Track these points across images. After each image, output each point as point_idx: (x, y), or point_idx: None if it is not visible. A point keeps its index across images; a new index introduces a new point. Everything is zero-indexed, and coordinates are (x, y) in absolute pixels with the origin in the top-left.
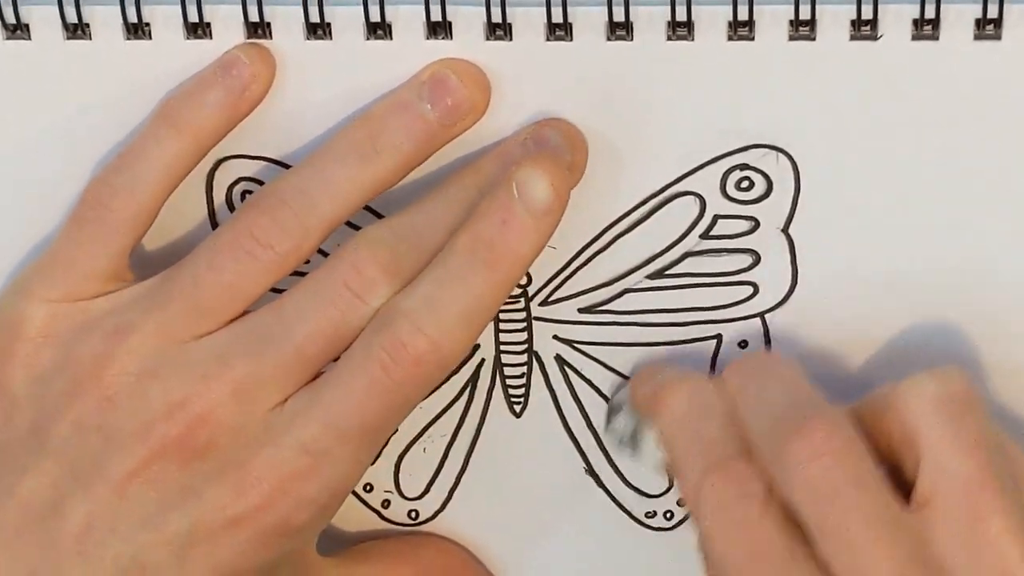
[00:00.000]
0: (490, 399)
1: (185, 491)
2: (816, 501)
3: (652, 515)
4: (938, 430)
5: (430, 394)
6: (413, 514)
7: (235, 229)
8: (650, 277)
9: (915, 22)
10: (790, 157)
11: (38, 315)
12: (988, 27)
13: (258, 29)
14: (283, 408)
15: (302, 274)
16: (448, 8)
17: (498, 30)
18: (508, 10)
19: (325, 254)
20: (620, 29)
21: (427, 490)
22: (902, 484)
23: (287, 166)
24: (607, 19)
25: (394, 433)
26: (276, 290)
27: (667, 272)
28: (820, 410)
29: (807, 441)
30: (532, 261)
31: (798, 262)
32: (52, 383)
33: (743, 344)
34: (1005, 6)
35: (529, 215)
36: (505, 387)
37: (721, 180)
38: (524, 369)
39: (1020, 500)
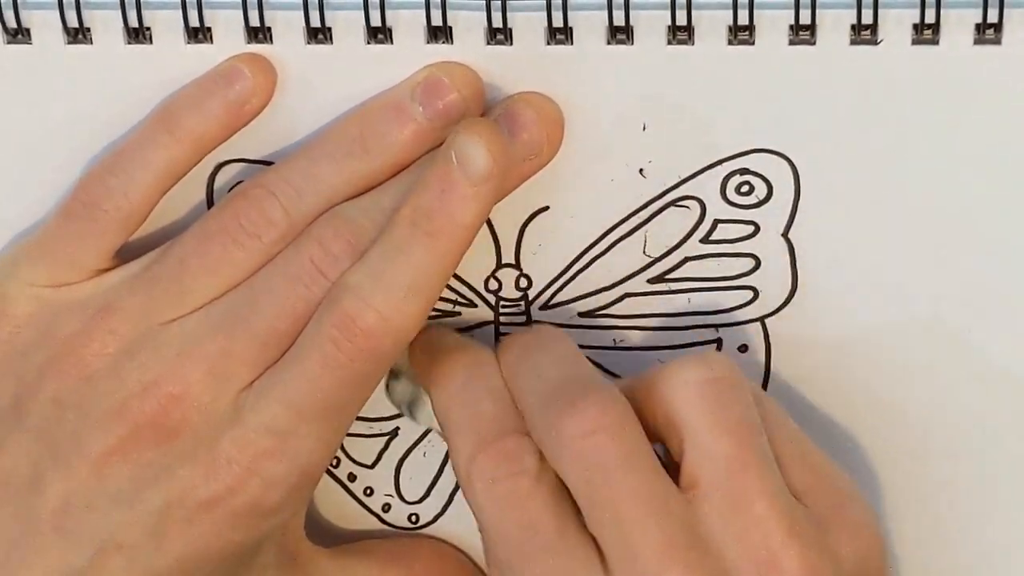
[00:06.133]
0: None
1: (159, 470)
2: (588, 477)
3: None
4: (699, 413)
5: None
6: (413, 518)
7: (223, 217)
8: (650, 281)
9: (915, 26)
10: (790, 162)
11: (22, 296)
12: (988, 31)
13: (259, 34)
14: (251, 388)
15: None
16: (449, 13)
17: (498, 35)
18: (508, 15)
19: None
20: (620, 34)
21: (427, 494)
22: (670, 464)
23: None
24: (607, 24)
25: (394, 436)
26: None
27: (667, 276)
28: (594, 386)
29: (580, 417)
30: (476, 230)
31: (798, 267)
32: (32, 360)
33: (743, 348)
34: (1005, 11)
35: (468, 183)
36: None
37: (721, 184)
38: None
39: (781, 481)
